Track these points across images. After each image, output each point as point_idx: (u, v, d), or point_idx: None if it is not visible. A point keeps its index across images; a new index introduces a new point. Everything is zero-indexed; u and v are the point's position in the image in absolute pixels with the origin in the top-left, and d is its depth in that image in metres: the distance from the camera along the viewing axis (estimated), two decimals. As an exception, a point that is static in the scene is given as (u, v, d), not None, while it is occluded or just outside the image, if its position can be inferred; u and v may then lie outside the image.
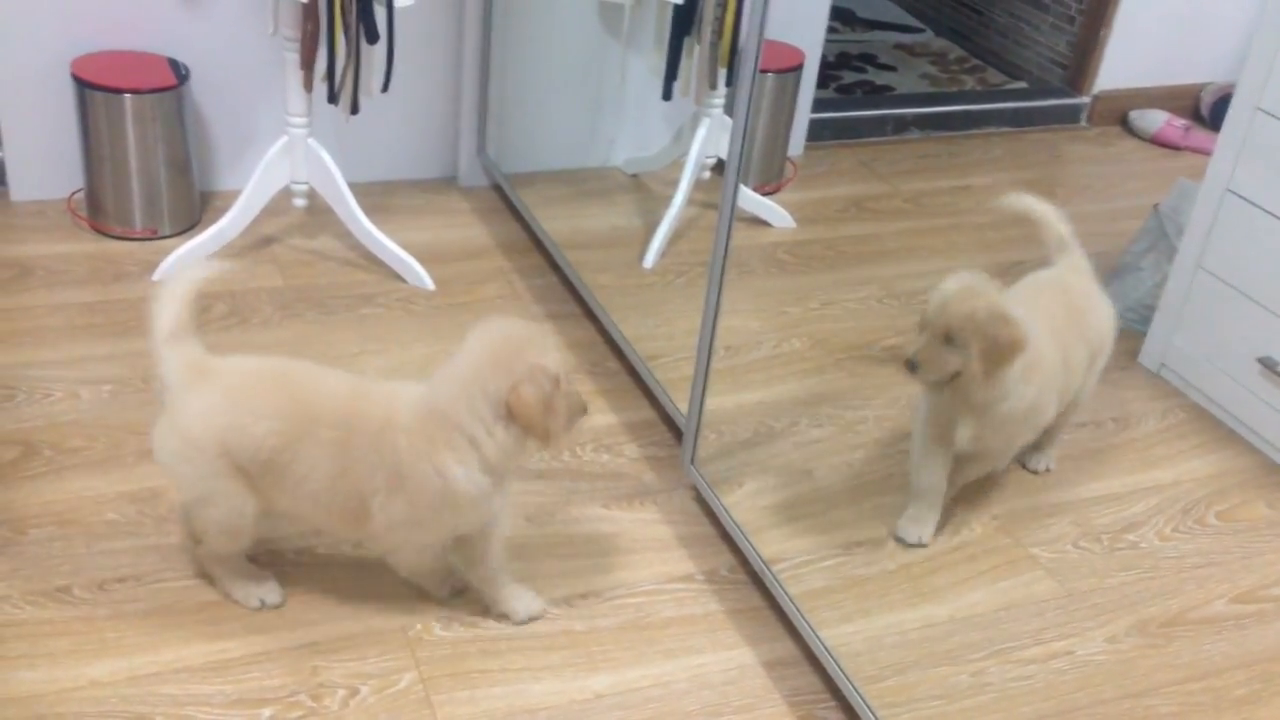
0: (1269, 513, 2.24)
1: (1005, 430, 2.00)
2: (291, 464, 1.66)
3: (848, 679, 1.74)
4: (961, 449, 2.02)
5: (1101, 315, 2.12)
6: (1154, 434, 2.41)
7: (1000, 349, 1.87)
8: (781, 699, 1.79)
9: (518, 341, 1.64)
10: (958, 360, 1.89)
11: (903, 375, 1.94)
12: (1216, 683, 1.88)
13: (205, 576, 1.83)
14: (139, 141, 2.55)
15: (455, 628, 1.82)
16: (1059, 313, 2.05)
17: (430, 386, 1.67)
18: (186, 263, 1.71)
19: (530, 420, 1.61)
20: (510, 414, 1.61)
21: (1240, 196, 2.41)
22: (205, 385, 1.68)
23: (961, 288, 1.92)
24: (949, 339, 1.89)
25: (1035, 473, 2.23)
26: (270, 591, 1.80)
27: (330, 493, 1.68)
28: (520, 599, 1.84)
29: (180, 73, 2.59)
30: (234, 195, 2.59)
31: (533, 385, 1.60)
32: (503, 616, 1.84)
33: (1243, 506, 2.25)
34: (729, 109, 2.77)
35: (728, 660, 1.84)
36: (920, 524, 2.06)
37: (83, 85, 2.51)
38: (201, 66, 2.67)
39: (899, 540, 2.05)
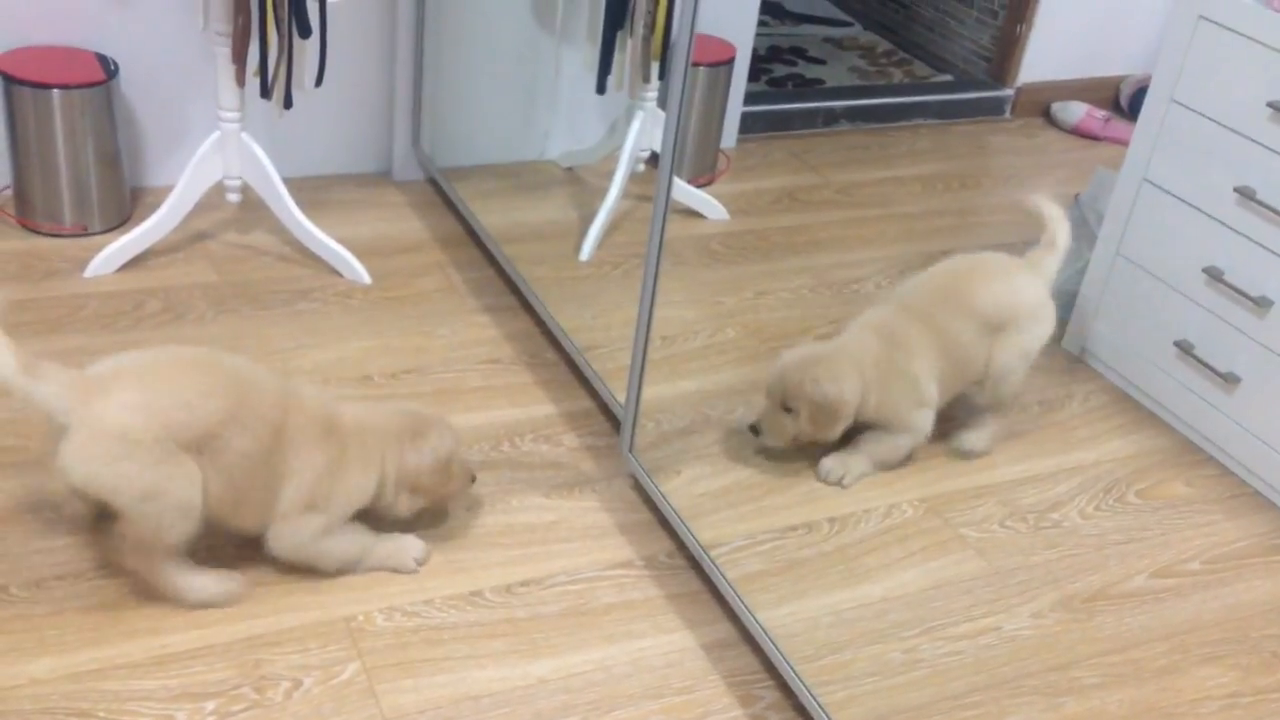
0: (1186, 491, 2.33)
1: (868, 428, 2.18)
2: (232, 442, 1.70)
3: (785, 659, 1.79)
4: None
5: (1009, 295, 2.24)
6: (1076, 416, 2.49)
7: (825, 416, 2.12)
8: (720, 679, 1.83)
9: (423, 424, 1.90)
10: (795, 426, 2.15)
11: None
12: (1137, 654, 1.96)
13: (156, 589, 1.79)
14: (68, 137, 2.53)
15: (397, 618, 1.84)
16: (938, 293, 2.25)
17: (372, 412, 1.91)
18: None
19: (426, 491, 1.91)
20: (411, 484, 1.89)
21: (1156, 185, 2.49)
22: (114, 385, 1.67)
23: (794, 360, 2.15)
24: (786, 408, 2.14)
25: (965, 455, 2.29)
26: (229, 578, 1.81)
27: (255, 474, 1.73)
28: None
29: (109, 68, 2.57)
30: (165, 191, 2.57)
31: (432, 464, 1.88)
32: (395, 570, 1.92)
33: (1161, 485, 2.33)
34: (662, 102, 2.81)
35: (668, 643, 1.87)
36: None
37: (9, 80, 2.47)
38: (131, 61, 2.64)
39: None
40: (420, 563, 1.93)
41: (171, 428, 1.66)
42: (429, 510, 1.98)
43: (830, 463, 2.18)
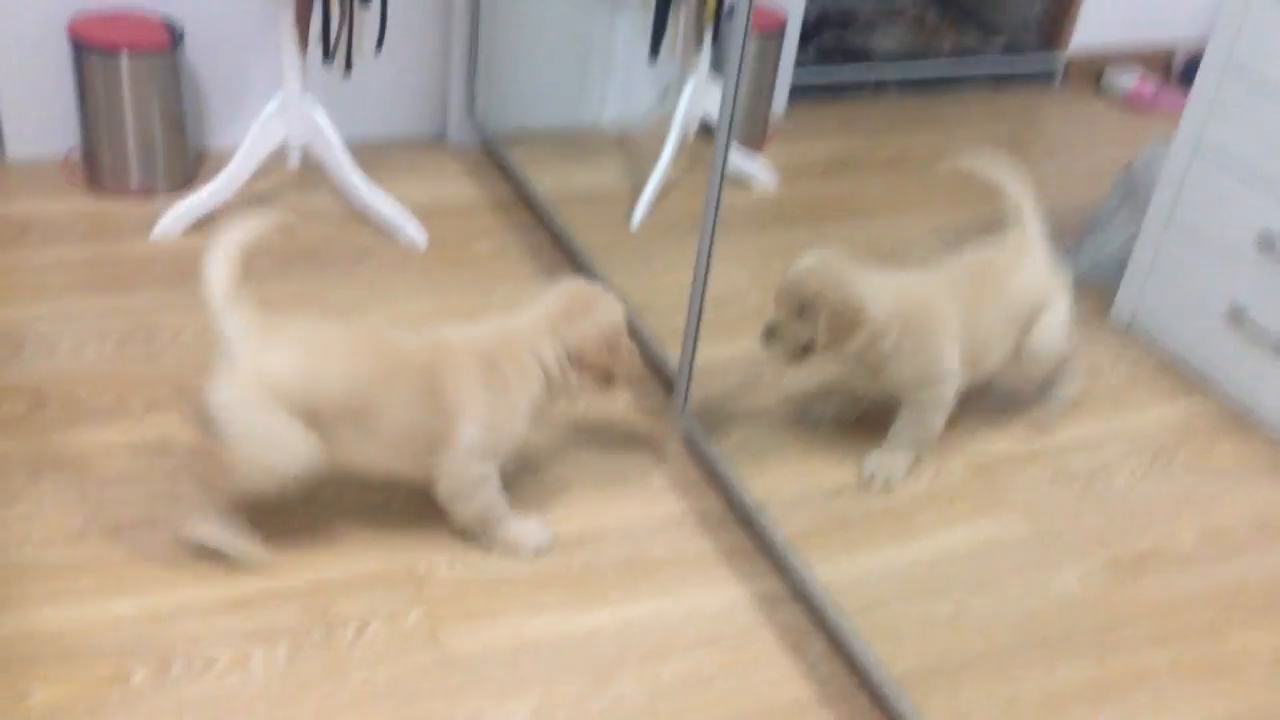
0: (1234, 456, 2.34)
1: (883, 376, 2.10)
2: (371, 415, 1.78)
3: (836, 613, 1.83)
4: (868, 393, 2.20)
5: (1032, 279, 2.21)
6: (1124, 383, 2.51)
7: (843, 323, 2.01)
8: (771, 633, 1.87)
9: (588, 299, 1.91)
10: (808, 333, 2.03)
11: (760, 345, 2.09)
12: (1183, 616, 1.99)
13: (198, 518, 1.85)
14: (135, 101, 2.59)
15: (459, 568, 1.90)
16: (965, 276, 2.18)
17: (509, 326, 1.89)
18: (234, 221, 1.75)
19: (596, 367, 1.88)
20: (580, 362, 1.87)
21: (1209, 154, 2.49)
22: (279, 340, 1.76)
23: (809, 266, 2.05)
24: (801, 313, 2.03)
25: (1057, 409, 2.32)
26: (251, 546, 1.85)
27: (408, 435, 1.81)
28: (527, 531, 1.93)
29: (175, 33, 2.63)
30: (228, 153, 2.63)
31: (601, 338, 1.87)
32: (511, 554, 1.93)
33: (1209, 451, 2.35)
34: (715, 69, 2.83)
35: (720, 596, 1.92)
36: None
37: (79, 45, 2.54)
38: (196, 26, 2.70)
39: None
40: (541, 552, 1.94)
41: (309, 403, 1.75)
42: (607, 392, 1.98)
43: (873, 464, 2.14)
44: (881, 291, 2.06)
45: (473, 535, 1.93)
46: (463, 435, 1.82)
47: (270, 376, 1.74)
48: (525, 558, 1.93)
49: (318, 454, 1.77)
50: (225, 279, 1.74)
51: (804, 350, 2.06)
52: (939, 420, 2.15)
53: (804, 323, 2.03)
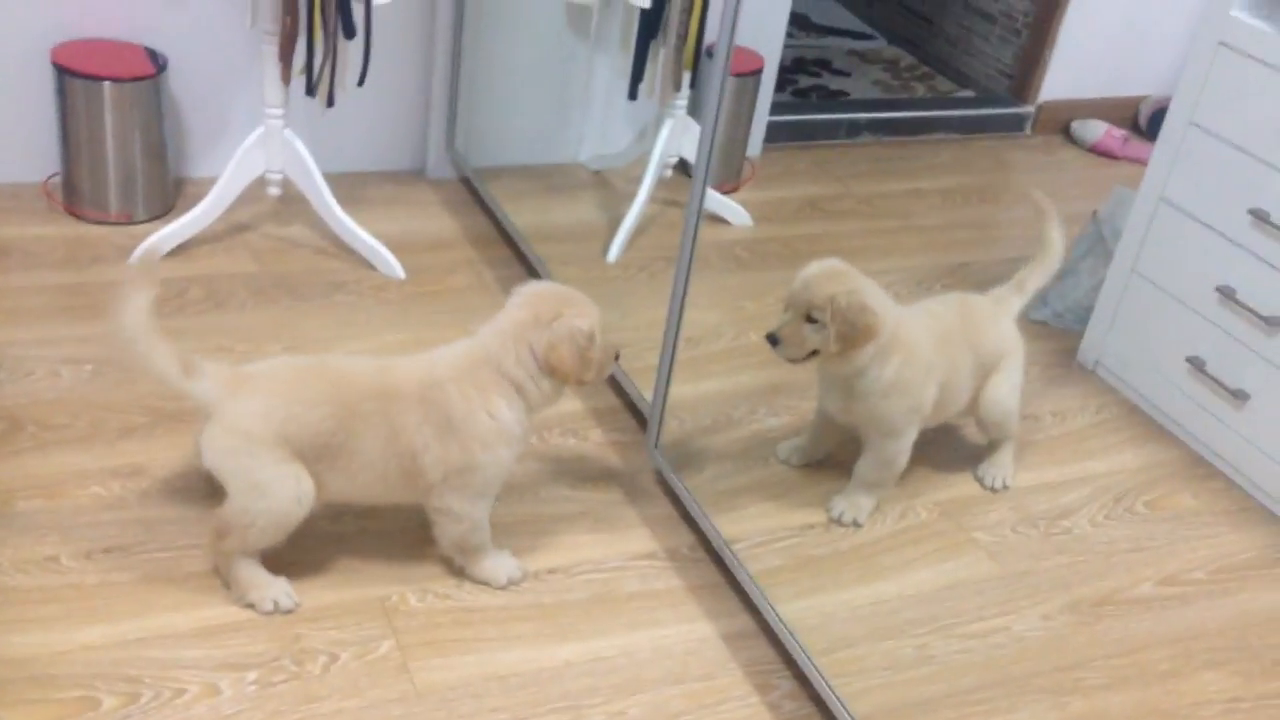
0: (1193, 502, 2.39)
1: (867, 404, 2.11)
2: (345, 443, 1.79)
3: (802, 650, 1.86)
4: (839, 420, 2.20)
5: (997, 336, 2.26)
6: (1088, 428, 2.56)
7: (855, 332, 2.01)
8: (739, 668, 1.90)
9: (556, 302, 1.87)
10: (816, 339, 2.03)
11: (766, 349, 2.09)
12: (1142, 658, 2.02)
13: (220, 576, 1.87)
14: (116, 128, 2.61)
15: (430, 599, 1.92)
16: (950, 321, 2.21)
17: (475, 341, 1.86)
18: (133, 316, 1.73)
19: (566, 374, 1.85)
20: (549, 367, 1.83)
21: (1173, 205, 2.56)
22: (250, 387, 1.79)
23: (824, 271, 2.06)
24: (810, 318, 2.03)
25: (985, 486, 2.32)
26: (285, 594, 1.85)
27: (384, 459, 1.81)
28: (501, 563, 1.95)
29: (158, 62, 2.65)
30: (208, 182, 2.66)
31: (569, 343, 1.83)
32: (483, 583, 1.95)
33: (1169, 496, 2.40)
34: (692, 110, 2.88)
35: (689, 632, 1.94)
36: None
37: (62, 72, 2.56)
38: (179, 56, 2.73)
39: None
40: (512, 583, 1.96)
41: (286, 437, 1.77)
42: (589, 386, 1.99)
43: (839, 506, 2.18)
44: (890, 311, 2.07)
45: (449, 558, 1.95)
46: (428, 458, 1.83)
47: (248, 420, 1.76)
48: (497, 586, 1.95)
49: (313, 490, 1.79)
50: (166, 355, 1.75)
51: (810, 354, 2.06)
52: (900, 465, 2.18)
53: (813, 326, 2.03)
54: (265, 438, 1.76)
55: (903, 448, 2.16)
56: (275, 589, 1.84)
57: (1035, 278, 2.32)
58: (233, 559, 1.83)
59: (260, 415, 1.77)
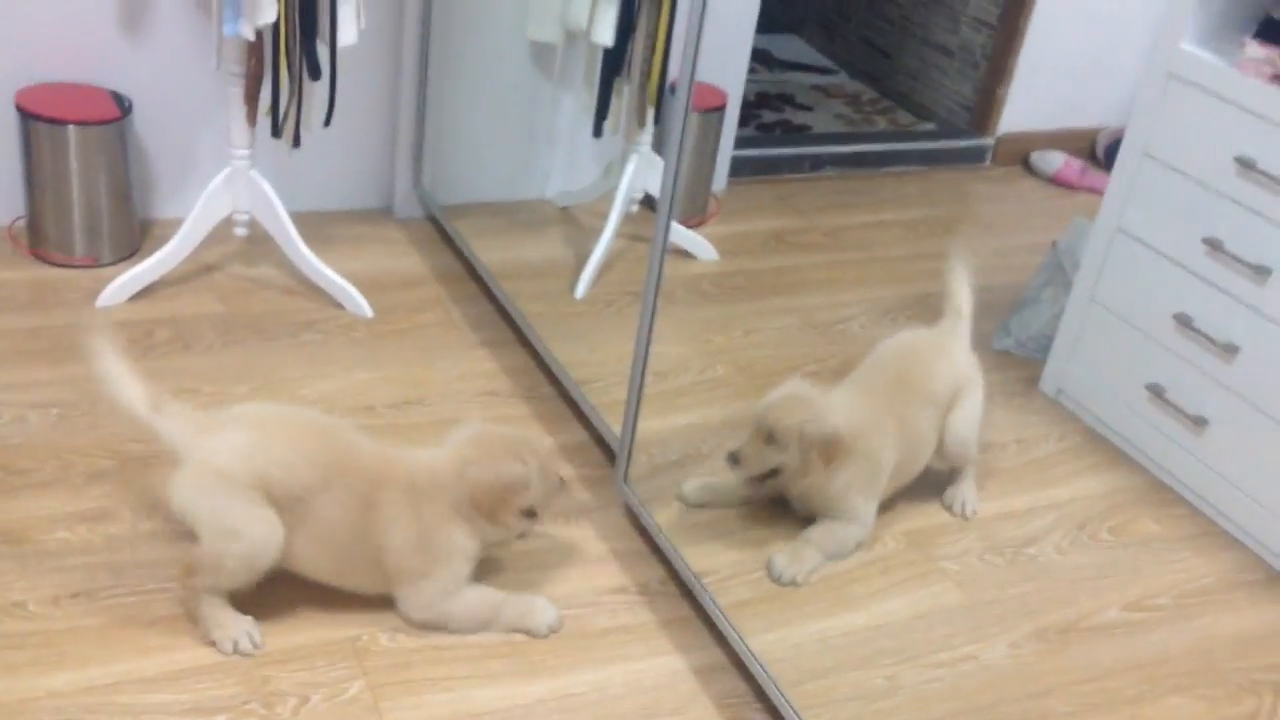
0: (1156, 528, 2.42)
1: (825, 501, 2.18)
2: (323, 509, 1.79)
3: (773, 683, 1.87)
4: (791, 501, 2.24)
5: (951, 369, 2.30)
6: (1052, 455, 2.59)
7: (824, 455, 2.10)
8: (711, 702, 1.90)
9: (494, 446, 1.89)
10: (778, 459, 2.12)
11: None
12: (1108, 684, 2.04)
13: (187, 614, 1.86)
14: (81, 171, 2.61)
15: (400, 638, 1.91)
16: (893, 383, 2.27)
17: (434, 463, 1.87)
18: (105, 345, 1.79)
19: (487, 517, 1.88)
20: (474, 507, 1.87)
21: (1129, 235, 2.60)
22: (226, 428, 1.79)
23: (789, 397, 2.15)
24: (771, 441, 2.11)
25: (954, 513, 2.35)
26: (245, 635, 1.84)
27: (354, 541, 1.82)
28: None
29: (123, 105, 2.66)
30: (174, 223, 2.66)
31: (491, 488, 1.86)
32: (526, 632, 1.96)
33: (1132, 523, 2.43)
34: (657, 146, 2.91)
35: (660, 666, 1.95)
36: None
37: (26, 116, 2.56)
38: (144, 98, 2.73)
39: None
40: (553, 629, 1.96)
41: (265, 479, 1.76)
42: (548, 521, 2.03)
43: (781, 561, 2.13)
44: (844, 417, 2.14)
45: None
46: (391, 561, 1.85)
47: (225, 458, 1.76)
48: (542, 635, 1.95)
49: (280, 533, 1.78)
50: (137, 391, 1.78)
51: (769, 474, 2.15)
52: (856, 539, 2.20)
53: (773, 448, 2.12)
54: (240, 479, 1.76)
55: (860, 533, 2.20)
56: (237, 629, 1.83)
57: (965, 296, 2.35)
58: (200, 597, 1.82)
59: (239, 455, 1.76)
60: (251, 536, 1.77)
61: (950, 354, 2.32)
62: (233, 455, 1.77)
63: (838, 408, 2.16)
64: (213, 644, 1.83)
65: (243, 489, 1.76)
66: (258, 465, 1.77)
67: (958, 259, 2.39)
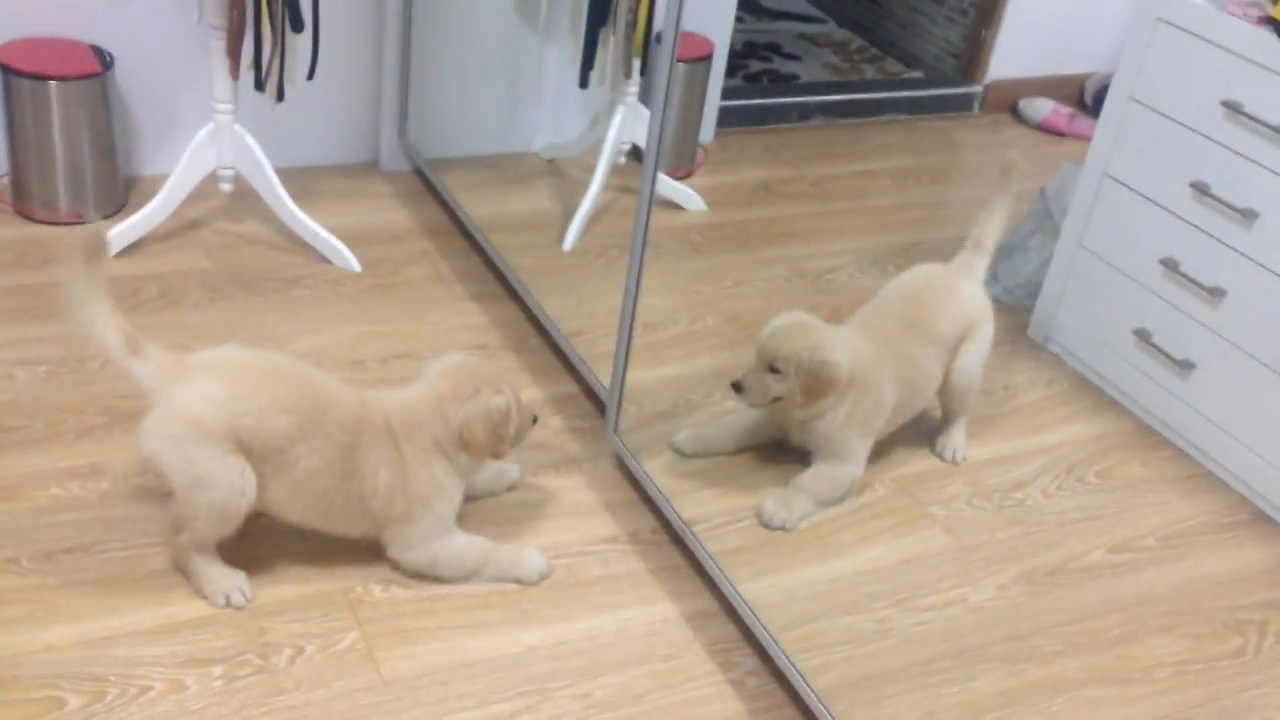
0: (1143, 471, 2.44)
1: (822, 435, 2.20)
2: (302, 459, 1.78)
3: (764, 628, 1.89)
4: (788, 439, 2.27)
5: (964, 306, 2.30)
6: (1040, 401, 2.60)
7: (820, 384, 2.12)
8: (702, 647, 1.92)
9: (474, 378, 1.90)
10: (779, 388, 2.15)
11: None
12: (1094, 624, 2.07)
13: (178, 570, 1.87)
14: (64, 128, 2.59)
15: (394, 589, 1.93)
16: (901, 319, 2.28)
17: (410, 403, 1.88)
18: (80, 280, 1.71)
19: (480, 450, 1.89)
20: (463, 442, 1.88)
21: (1116, 180, 2.60)
22: (200, 375, 1.77)
23: (789, 325, 2.16)
24: (773, 369, 2.14)
25: (944, 460, 2.36)
26: (237, 590, 1.85)
27: (335, 488, 1.82)
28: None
29: (105, 60, 2.63)
30: (159, 179, 2.65)
31: (484, 421, 1.87)
32: (516, 581, 1.97)
33: (1119, 466, 2.45)
34: (643, 97, 2.90)
35: (651, 614, 1.97)
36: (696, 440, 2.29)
37: (7, 72, 2.54)
38: (126, 53, 2.71)
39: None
40: (543, 576, 1.98)
41: (239, 430, 1.75)
42: (514, 453, 2.04)
43: (771, 505, 2.14)
44: (847, 351, 2.15)
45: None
46: (375, 506, 1.86)
47: (198, 408, 1.74)
48: (532, 582, 1.97)
49: (255, 485, 1.78)
50: (112, 327, 1.73)
51: (773, 401, 2.17)
52: (849, 481, 2.21)
53: (776, 377, 2.14)
54: (212, 428, 1.73)
55: (854, 472, 2.21)
56: (228, 583, 1.85)
57: (991, 231, 2.35)
58: (188, 553, 1.83)
59: (212, 403, 1.74)
60: (220, 486, 1.75)
61: (962, 293, 2.32)
62: (205, 404, 1.74)
63: (840, 339, 2.17)
64: (205, 598, 1.84)
65: (214, 439, 1.74)
66: (231, 415, 1.74)
67: (1003, 195, 2.36)
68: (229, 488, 1.76)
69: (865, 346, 2.20)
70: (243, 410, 1.76)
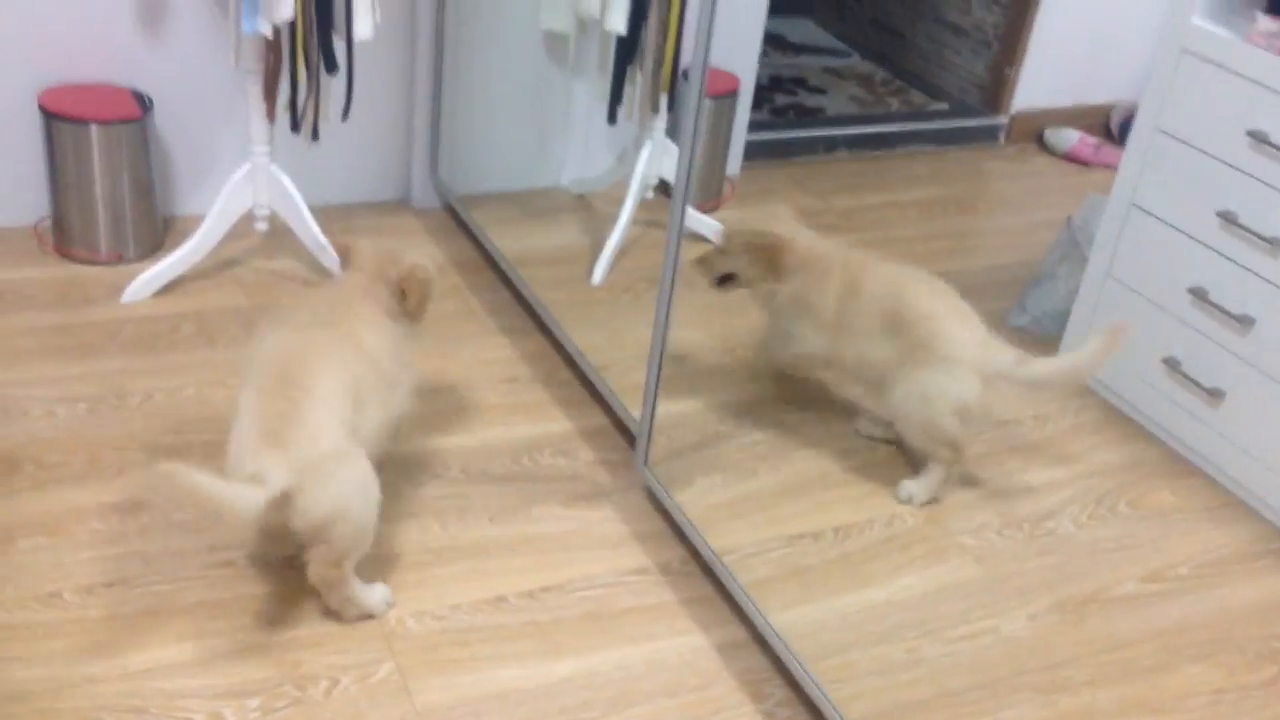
0: (1173, 500, 2.44)
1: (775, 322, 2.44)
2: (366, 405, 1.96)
3: (795, 658, 1.89)
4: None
5: (936, 329, 2.25)
6: (1069, 430, 2.60)
7: (759, 252, 2.37)
8: (733, 678, 1.93)
9: (394, 251, 2.16)
10: (728, 265, 2.41)
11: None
12: (1127, 654, 2.06)
13: (334, 603, 1.90)
14: (104, 170, 2.65)
15: (427, 621, 1.95)
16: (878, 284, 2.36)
17: (351, 283, 2.12)
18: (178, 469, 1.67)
19: (418, 295, 2.12)
20: (406, 293, 2.11)
21: (1143, 210, 2.61)
22: (346, 454, 1.83)
23: (756, 219, 2.49)
24: (724, 250, 2.42)
25: (899, 500, 2.31)
26: (386, 595, 1.96)
27: (385, 405, 2.02)
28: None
29: (144, 103, 2.69)
30: (196, 219, 2.70)
31: (420, 273, 2.13)
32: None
33: (1150, 495, 2.44)
34: (670, 132, 2.93)
35: (682, 644, 1.98)
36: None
37: (50, 116, 2.60)
38: (165, 97, 2.77)
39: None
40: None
41: (345, 427, 1.86)
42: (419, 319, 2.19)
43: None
44: (804, 236, 2.38)
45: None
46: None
47: (319, 451, 1.80)
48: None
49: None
50: (254, 496, 1.71)
51: (724, 279, 2.43)
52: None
53: (725, 257, 2.41)
54: (338, 443, 1.82)
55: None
56: (379, 592, 1.95)
57: (1040, 366, 2.20)
58: (350, 578, 1.88)
59: (342, 424, 1.84)
60: (375, 492, 1.86)
61: (944, 322, 2.24)
62: (339, 431, 1.83)
63: (800, 229, 2.41)
64: (369, 615, 1.92)
65: (369, 465, 1.85)
66: (335, 422, 1.84)
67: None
68: (369, 493, 1.85)
69: (829, 251, 2.38)
70: (327, 416, 1.84)
